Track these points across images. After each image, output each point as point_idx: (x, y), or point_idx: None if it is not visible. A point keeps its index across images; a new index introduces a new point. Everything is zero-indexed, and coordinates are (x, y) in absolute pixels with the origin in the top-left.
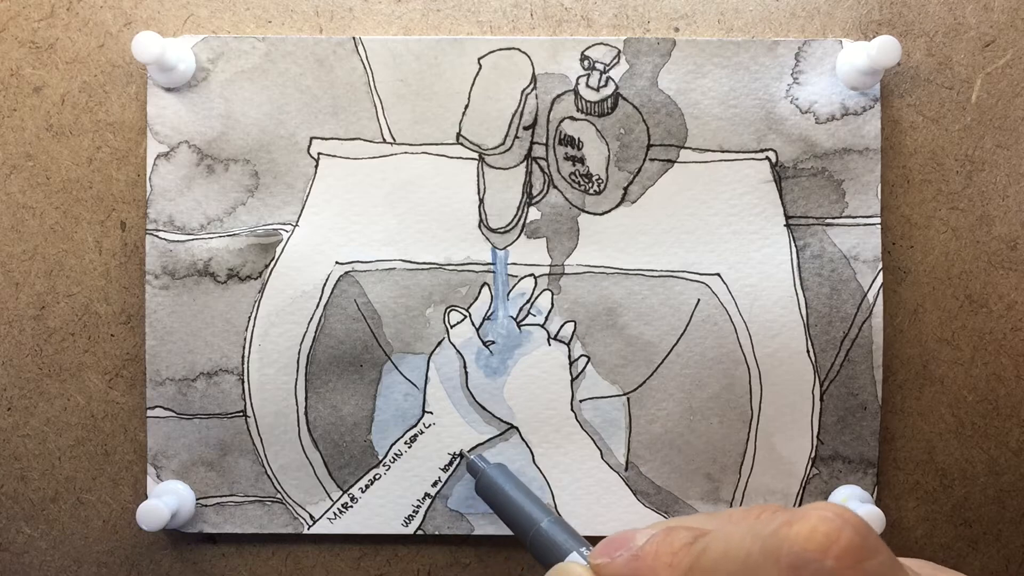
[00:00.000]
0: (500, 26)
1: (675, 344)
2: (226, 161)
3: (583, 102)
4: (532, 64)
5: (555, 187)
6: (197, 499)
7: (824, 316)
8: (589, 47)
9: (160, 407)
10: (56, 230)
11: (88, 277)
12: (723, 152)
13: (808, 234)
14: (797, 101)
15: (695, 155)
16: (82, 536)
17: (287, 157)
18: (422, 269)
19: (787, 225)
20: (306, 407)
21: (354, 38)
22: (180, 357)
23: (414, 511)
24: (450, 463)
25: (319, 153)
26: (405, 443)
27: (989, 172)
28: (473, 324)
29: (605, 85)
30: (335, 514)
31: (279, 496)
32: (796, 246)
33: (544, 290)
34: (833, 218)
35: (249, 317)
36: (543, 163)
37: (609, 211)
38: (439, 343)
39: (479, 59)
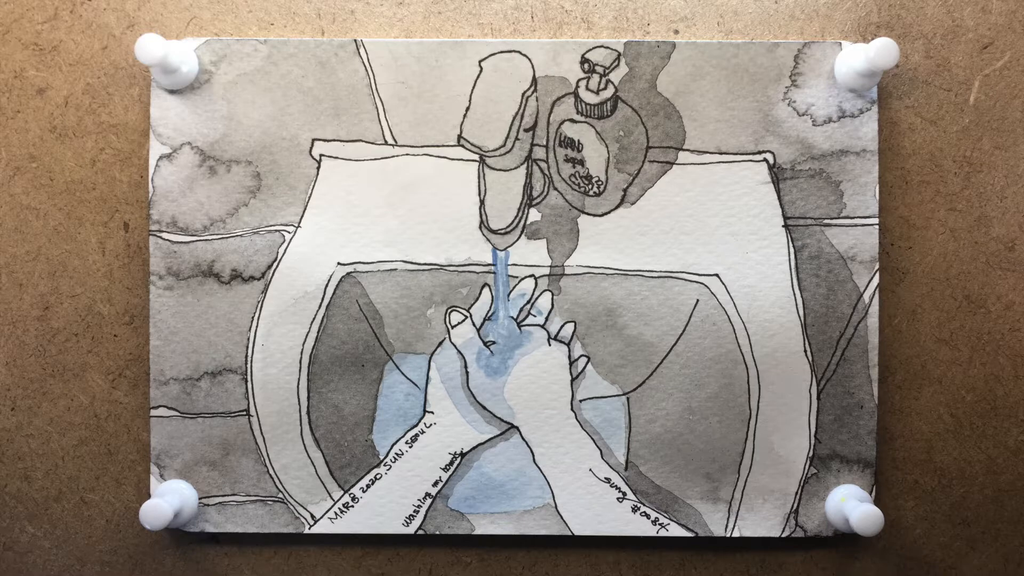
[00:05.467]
0: (501, 28)
1: (674, 344)
2: (228, 162)
3: (583, 105)
4: (532, 66)
5: (555, 189)
6: (200, 498)
7: (821, 316)
8: (589, 50)
9: (164, 407)
10: (59, 231)
11: (91, 278)
12: (721, 154)
13: (806, 235)
14: (794, 104)
15: (693, 157)
16: (85, 535)
17: (289, 159)
18: (423, 270)
19: (785, 226)
20: (308, 407)
21: (356, 40)
22: (184, 357)
23: (415, 511)
24: (451, 463)
25: (321, 155)
26: (406, 443)
27: (987, 173)
28: (474, 324)
29: (605, 88)
30: (336, 514)
31: (281, 496)
32: (794, 247)
33: (544, 291)
34: (831, 218)
35: (252, 317)
36: (543, 165)
37: (608, 212)
38: (440, 343)
39: (480, 61)
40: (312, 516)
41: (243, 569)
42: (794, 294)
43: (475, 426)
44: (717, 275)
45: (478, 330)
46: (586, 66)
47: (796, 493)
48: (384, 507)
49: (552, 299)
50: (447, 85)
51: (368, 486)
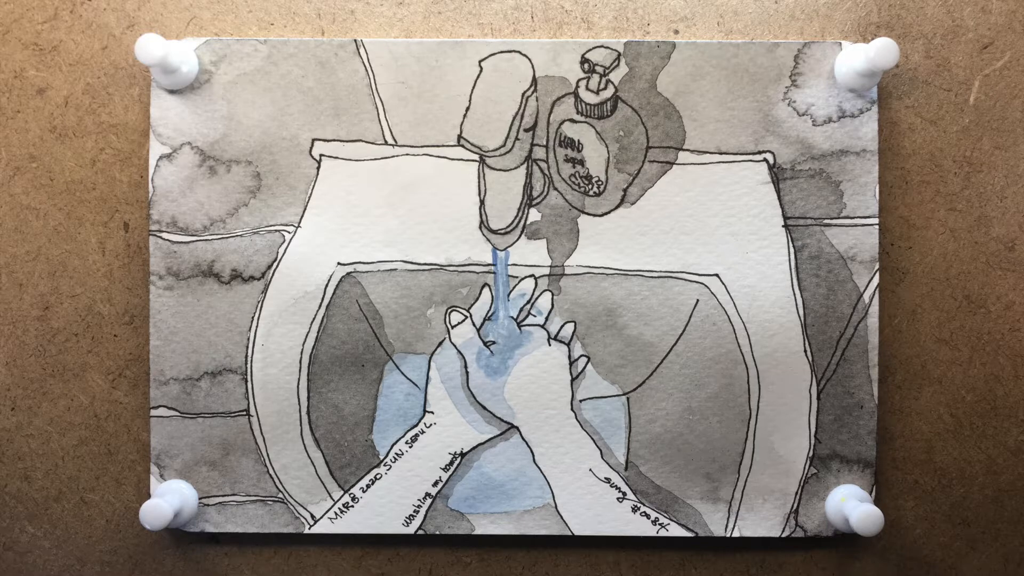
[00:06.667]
0: (501, 28)
1: (674, 344)
2: (228, 162)
3: (583, 105)
4: (532, 67)
5: (555, 189)
6: (200, 498)
7: (821, 316)
8: (589, 50)
9: (164, 407)
10: (59, 231)
11: (91, 278)
12: (721, 154)
13: (806, 235)
14: (794, 104)
15: (693, 157)
16: (85, 535)
17: (289, 159)
18: (423, 270)
19: (785, 226)
20: (308, 407)
21: (356, 40)
22: (184, 357)
23: (415, 511)
24: (451, 463)
25: (321, 155)
26: (406, 443)
27: (987, 173)
28: (474, 324)
29: (605, 88)
30: (336, 514)
31: (281, 496)
32: (794, 247)
33: (544, 291)
34: (831, 218)
35: (252, 317)
36: (543, 165)
37: (608, 212)
38: (440, 343)
39: (480, 61)
40: (312, 516)
41: (243, 569)
42: (794, 294)
43: (475, 426)
44: (717, 275)
45: (478, 330)
46: (586, 66)
47: (796, 493)
48: (384, 507)
49: (552, 299)
50: (447, 85)
51: (368, 486)
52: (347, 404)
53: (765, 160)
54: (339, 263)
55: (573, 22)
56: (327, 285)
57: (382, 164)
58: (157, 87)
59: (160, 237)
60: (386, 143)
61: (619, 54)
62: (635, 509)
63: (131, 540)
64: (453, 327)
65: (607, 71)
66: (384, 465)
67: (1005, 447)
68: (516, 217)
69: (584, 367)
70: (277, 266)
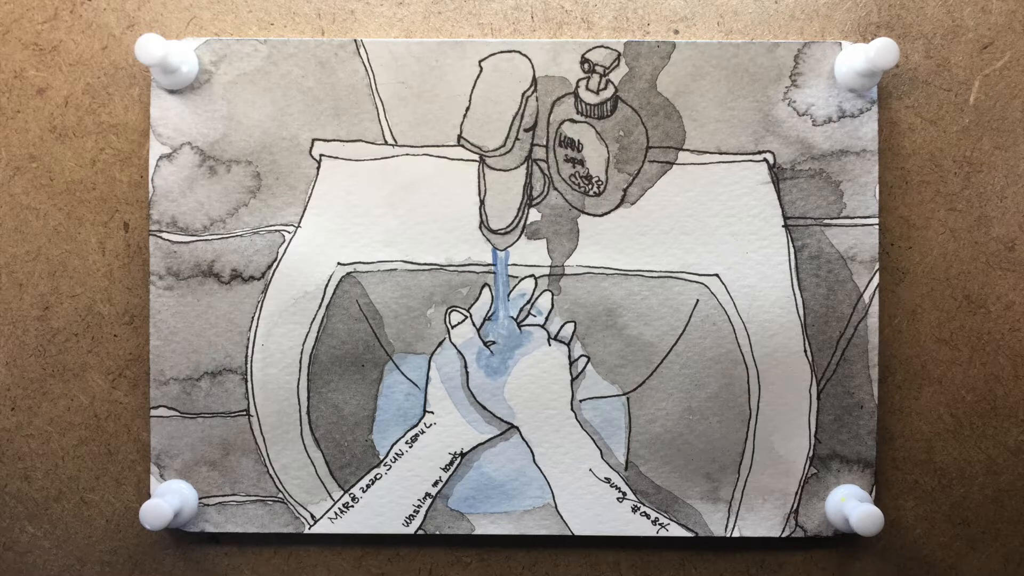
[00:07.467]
0: (501, 28)
1: (674, 344)
2: (228, 162)
3: (583, 105)
4: (532, 66)
5: (555, 189)
6: (200, 498)
7: (821, 316)
8: (589, 50)
9: (164, 407)
10: (59, 231)
11: (91, 278)
12: (721, 154)
13: (806, 235)
14: (794, 104)
15: (693, 157)
16: (85, 535)
17: (289, 159)
18: (423, 270)
19: (785, 226)
20: (308, 407)
21: (356, 40)
22: (184, 357)
23: (415, 511)
24: (451, 463)
25: (321, 155)
26: (406, 443)
27: (987, 173)
28: (474, 324)
29: (605, 88)
30: (336, 514)
31: (281, 496)
32: (794, 247)
33: (544, 291)
34: (831, 218)
35: (252, 317)
36: (543, 165)
37: (608, 212)
38: (440, 343)
39: (480, 61)
40: (312, 516)
41: (243, 569)
42: (794, 294)
43: (475, 426)
44: (717, 275)
45: (478, 330)
46: (586, 66)
47: (796, 493)
48: (384, 507)
49: (552, 299)
50: (447, 85)
51: (368, 486)
52: (347, 404)
53: (765, 160)
54: (339, 263)
55: (573, 22)
56: (327, 285)
57: (382, 164)
58: (157, 87)
59: (160, 237)
60: (386, 143)
61: (619, 54)
62: (635, 509)
63: (131, 540)
64: (453, 327)
65: (607, 71)
66: (384, 465)
67: (1005, 447)
68: (516, 217)
69: (584, 367)
70: (277, 266)
